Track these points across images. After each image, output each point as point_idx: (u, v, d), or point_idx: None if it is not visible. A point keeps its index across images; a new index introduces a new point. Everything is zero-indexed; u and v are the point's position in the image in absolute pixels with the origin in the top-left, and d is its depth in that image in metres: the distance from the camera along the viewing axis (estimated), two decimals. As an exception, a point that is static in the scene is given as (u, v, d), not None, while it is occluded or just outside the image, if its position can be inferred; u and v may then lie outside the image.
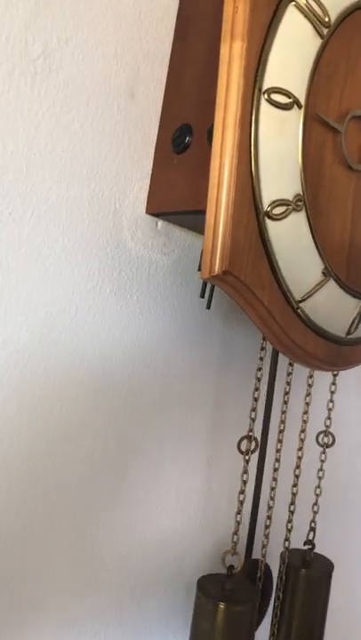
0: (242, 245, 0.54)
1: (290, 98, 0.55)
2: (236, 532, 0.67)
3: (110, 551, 0.69)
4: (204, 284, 0.65)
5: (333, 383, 0.79)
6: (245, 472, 0.67)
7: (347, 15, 0.59)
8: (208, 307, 0.63)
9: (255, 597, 0.68)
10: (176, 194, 0.64)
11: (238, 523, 0.67)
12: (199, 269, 0.65)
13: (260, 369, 0.68)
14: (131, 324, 0.67)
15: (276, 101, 0.54)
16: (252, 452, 0.68)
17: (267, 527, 0.73)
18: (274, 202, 0.55)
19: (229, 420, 0.80)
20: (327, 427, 0.79)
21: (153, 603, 0.75)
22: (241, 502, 0.67)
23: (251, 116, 0.53)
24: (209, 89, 0.62)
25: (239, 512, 0.67)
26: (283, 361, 0.77)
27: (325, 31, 0.57)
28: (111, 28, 0.62)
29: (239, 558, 0.67)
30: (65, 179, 0.60)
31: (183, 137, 0.64)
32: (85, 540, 0.67)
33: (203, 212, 0.62)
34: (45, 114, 0.58)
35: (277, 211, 0.56)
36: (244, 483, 0.67)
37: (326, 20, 0.57)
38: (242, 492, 0.68)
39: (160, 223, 0.69)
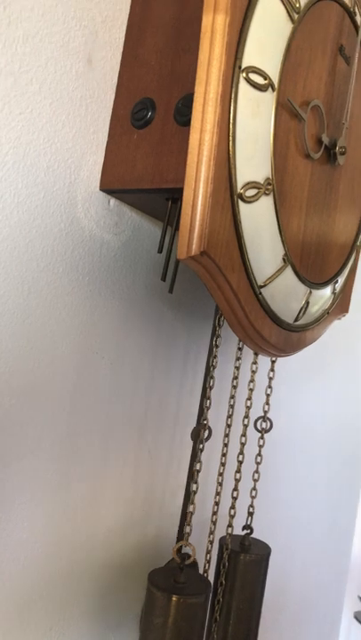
0: (218, 226, 0.53)
1: (266, 79, 0.55)
2: (188, 523, 0.66)
3: (50, 549, 0.65)
4: (165, 267, 0.62)
5: (272, 370, 0.80)
6: (199, 461, 0.66)
7: (313, 4, 0.60)
8: (170, 290, 0.61)
9: (208, 589, 0.67)
10: (136, 171, 0.61)
11: (191, 513, 0.65)
12: (159, 251, 0.63)
13: (215, 356, 0.67)
14: (81, 307, 0.63)
15: (253, 81, 0.53)
16: (206, 439, 0.67)
17: (214, 513, 0.73)
18: (247, 184, 0.55)
19: (170, 408, 0.79)
20: (265, 412, 0.81)
21: (95, 601, 0.72)
22: (194, 492, 0.66)
23: (230, 93, 0.52)
24: (174, 61, 0.60)
25: (192, 502, 0.66)
26: (231, 346, 0.77)
27: (296, 17, 0.58)
28: (71, -15, 0.57)
29: (193, 550, 0.65)
30: (22, 145, 0.54)
31: (145, 111, 0.61)
32: (26, 537, 0.62)
33: (166, 191, 0.61)
34: (3, 70, 0.52)
35: (250, 193, 0.55)
36: (197, 472, 0.66)
37: (297, 5, 0.57)
38: (195, 481, 0.66)
39: (112, 201, 0.65)
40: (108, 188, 0.63)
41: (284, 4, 0.56)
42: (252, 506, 0.81)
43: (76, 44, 0.58)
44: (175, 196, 0.61)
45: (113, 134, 0.63)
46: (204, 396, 0.66)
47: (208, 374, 0.65)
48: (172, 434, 0.80)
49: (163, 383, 0.76)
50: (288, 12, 0.57)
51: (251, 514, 0.81)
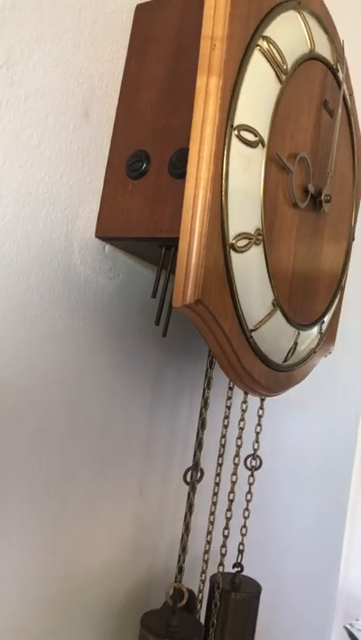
0: (211, 275, 0.55)
1: (256, 136, 0.57)
2: (181, 565, 0.66)
3: (40, 591, 0.65)
4: (159, 312, 0.64)
5: (261, 408, 0.82)
6: (192, 503, 0.67)
7: (299, 64, 0.64)
8: (164, 334, 0.63)
9: (200, 632, 0.67)
10: (131, 220, 0.63)
11: (184, 554, 0.66)
12: (153, 296, 0.65)
13: (207, 398, 0.68)
14: (76, 351, 0.65)
15: (245, 138, 0.56)
16: (198, 481, 0.67)
17: (206, 552, 0.73)
18: (239, 234, 0.57)
19: (162, 447, 0.79)
20: (255, 450, 0.82)
21: (86, 645, 0.71)
22: (187, 533, 0.67)
23: (223, 150, 0.54)
24: (168, 116, 0.63)
25: (185, 545, 0.66)
26: (222, 385, 0.78)
27: (284, 77, 0.61)
28: (70, 46, 0.60)
29: (185, 592, 0.66)
30: (22, 196, 0.56)
31: (140, 163, 0.63)
32: (14, 574, 0.62)
33: (160, 240, 0.63)
34: (5, 127, 0.54)
35: (241, 243, 0.58)
36: (190, 513, 0.67)
37: (285, 67, 0.61)
38: (187, 522, 0.67)
39: (107, 247, 0.67)
40: (103, 235, 0.65)
41: (272, 67, 0.59)
42: (242, 543, 0.81)
43: (74, 99, 0.61)
44: (169, 243, 0.63)
45: (109, 184, 0.65)
46: (197, 437, 0.67)
47: (200, 416, 0.67)
48: (164, 472, 0.80)
49: (154, 423, 0.77)
50: (276, 73, 0.60)
51: (241, 551, 0.81)
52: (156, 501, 0.80)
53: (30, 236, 0.57)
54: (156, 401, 0.77)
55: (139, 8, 0.68)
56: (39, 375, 0.60)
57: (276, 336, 0.68)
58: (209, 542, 0.74)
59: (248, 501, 0.82)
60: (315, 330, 0.79)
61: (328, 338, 0.87)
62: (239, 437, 0.78)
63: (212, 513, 0.74)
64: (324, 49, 0.71)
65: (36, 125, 0.57)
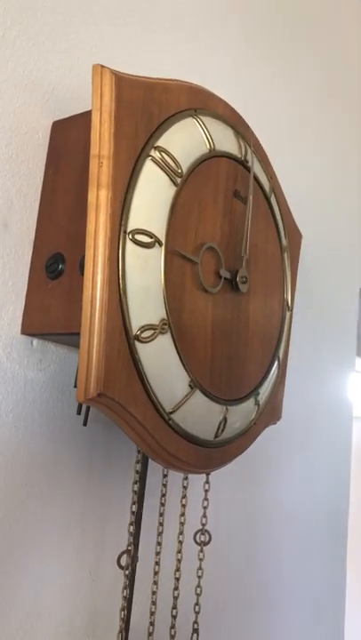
0: (114, 368, 0.59)
1: (151, 238, 0.63)
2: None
3: None
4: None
5: (207, 482, 0.84)
6: (126, 587, 0.68)
7: (196, 166, 0.70)
8: (85, 424, 0.66)
9: None
10: (51, 317, 0.68)
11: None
12: (75, 386, 0.69)
13: (136, 482, 0.71)
14: (7, 443, 0.68)
15: (139, 241, 0.61)
16: (132, 565, 0.69)
17: (150, 634, 0.74)
18: (143, 327, 0.61)
19: (110, 534, 0.81)
20: (203, 525, 0.83)
21: None
22: (123, 619, 0.68)
23: (118, 254, 0.60)
24: (79, 221, 0.68)
25: (122, 631, 0.67)
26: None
27: (179, 180, 0.67)
28: (-15, 168, 0.67)
29: None
30: None
31: (56, 265, 0.69)
32: None
33: (77, 334, 0.67)
34: None
35: (146, 334, 0.62)
36: (125, 598, 0.68)
37: (180, 171, 0.67)
38: (123, 608, 0.68)
39: (35, 341, 0.72)
40: (28, 332, 0.70)
41: (166, 173, 0.65)
42: (196, 622, 0.81)
43: (-9, 214, 0.67)
44: (87, 336, 0.67)
45: (31, 285, 0.71)
46: (131, 522, 0.69)
47: (132, 501, 0.69)
48: (114, 554, 0.81)
49: (98, 506, 0.79)
50: (171, 177, 0.66)
51: (196, 630, 0.81)
52: (109, 583, 0.80)
53: None
54: (98, 482, 0.79)
55: (55, 124, 0.75)
56: (-33, 471, 0.63)
57: (200, 414, 0.71)
58: (152, 624, 0.74)
59: (199, 577, 0.82)
60: (250, 402, 0.81)
61: (273, 409, 0.90)
62: (182, 515, 0.79)
63: (154, 592, 0.75)
64: (229, 144, 0.77)
65: None
